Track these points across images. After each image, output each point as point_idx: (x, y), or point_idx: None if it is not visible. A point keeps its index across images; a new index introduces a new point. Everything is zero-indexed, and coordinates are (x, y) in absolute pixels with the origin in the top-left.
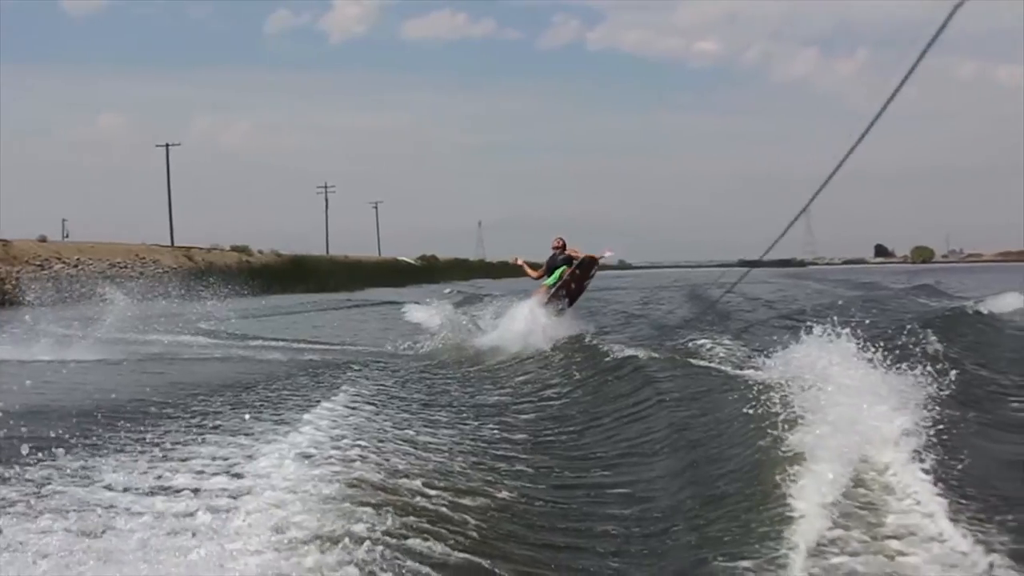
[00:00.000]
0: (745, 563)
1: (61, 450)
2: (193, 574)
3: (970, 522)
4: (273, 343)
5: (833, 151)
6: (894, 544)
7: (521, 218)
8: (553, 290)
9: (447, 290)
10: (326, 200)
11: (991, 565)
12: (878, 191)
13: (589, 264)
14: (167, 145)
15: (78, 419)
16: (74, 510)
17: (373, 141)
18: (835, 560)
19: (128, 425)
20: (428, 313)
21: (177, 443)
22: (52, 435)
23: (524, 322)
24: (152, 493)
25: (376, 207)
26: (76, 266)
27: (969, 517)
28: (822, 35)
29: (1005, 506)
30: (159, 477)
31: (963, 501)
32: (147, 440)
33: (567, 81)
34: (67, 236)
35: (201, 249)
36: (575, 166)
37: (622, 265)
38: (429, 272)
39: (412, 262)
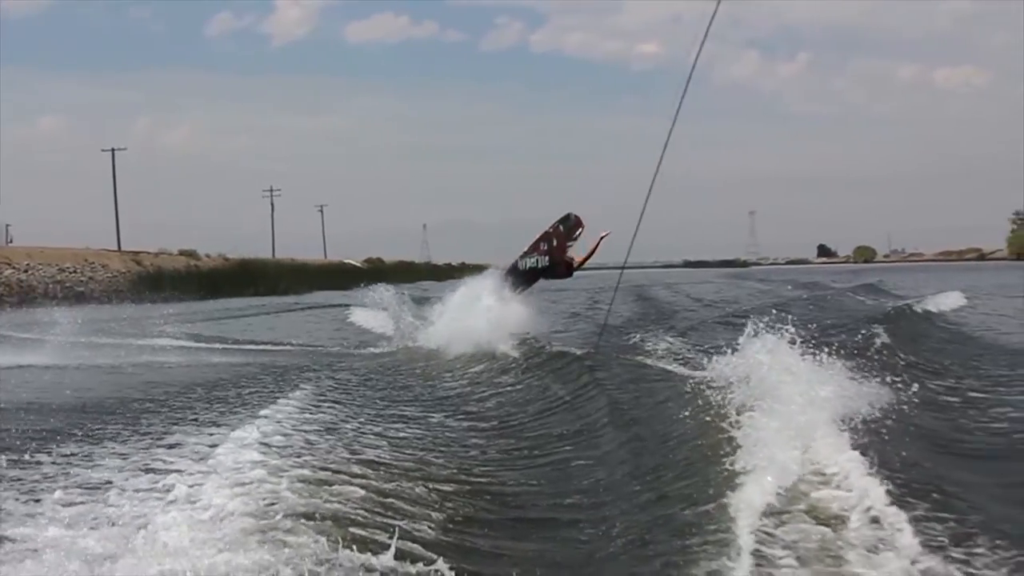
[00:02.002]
0: (707, 508)
1: (60, 439)
2: (188, 536)
3: (881, 478)
4: (234, 345)
5: (773, 152)
6: (818, 487)
7: (467, 221)
8: (534, 243)
9: (392, 292)
10: (272, 204)
11: (886, 506)
12: (822, 193)
13: (575, 223)
14: (112, 150)
15: (68, 414)
16: (80, 486)
17: (317, 143)
18: (776, 500)
19: (114, 418)
20: (379, 314)
21: (165, 432)
22: (48, 427)
23: (479, 314)
24: (147, 472)
25: (322, 210)
26: (26, 271)
27: (881, 475)
28: (764, 38)
29: (904, 469)
30: (153, 459)
31: (879, 463)
32: (135, 430)
33: (512, 83)
34: (11, 241)
35: (149, 253)
36: (521, 168)
37: None
38: (375, 275)
39: (358, 265)
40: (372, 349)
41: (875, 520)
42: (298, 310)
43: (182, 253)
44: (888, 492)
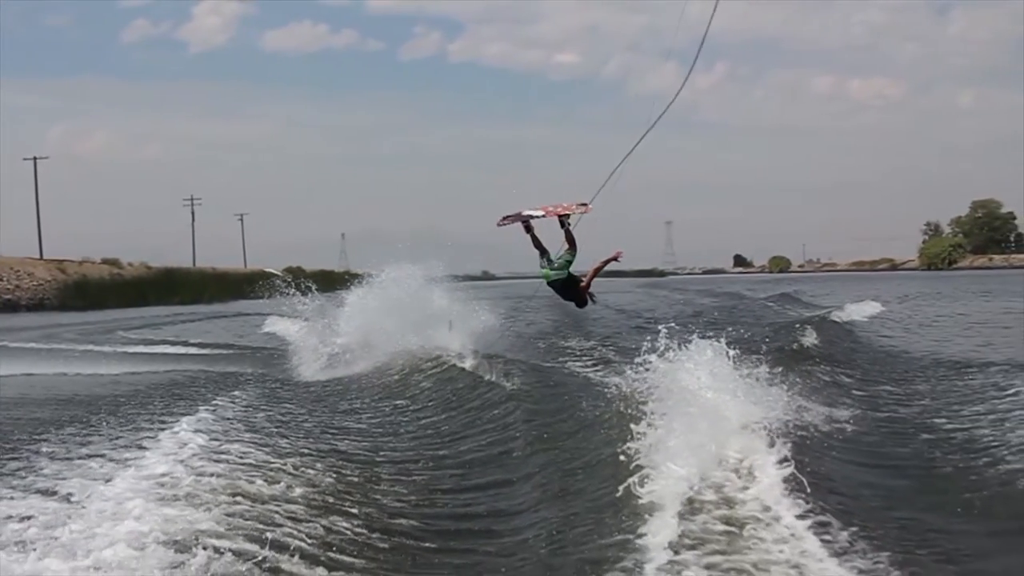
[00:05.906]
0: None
1: (56, 427)
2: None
3: (790, 468)
4: (181, 349)
5: (690, 162)
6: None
7: (385, 229)
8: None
9: (317, 302)
10: (192, 213)
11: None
12: (738, 203)
13: (584, 205)
14: (35, 159)
15: (54, 408)
16: (80, 457)
17: (236, 151)
18: (656, 458)
19: (95, 409)
20: (302, 324)
21: (146, 419)
22: (43, 417)
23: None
24: (139, 447)
25: (241, 219)
26: None
27: (789, 470)
28: (682, 48)
29: (799, 459)
30: (143, 439)
31: (790, 466)
32: (120, 414)
33: (431, 93)
34: None
35: (73, 262)
36: (441, 177)
37: (486, 275)
38: (296, 284)
39: (278, 274)
40: (308, 352)
41: (769, 504)
42: (227, 318)
43: (105, 262)
44: (785, 481)
